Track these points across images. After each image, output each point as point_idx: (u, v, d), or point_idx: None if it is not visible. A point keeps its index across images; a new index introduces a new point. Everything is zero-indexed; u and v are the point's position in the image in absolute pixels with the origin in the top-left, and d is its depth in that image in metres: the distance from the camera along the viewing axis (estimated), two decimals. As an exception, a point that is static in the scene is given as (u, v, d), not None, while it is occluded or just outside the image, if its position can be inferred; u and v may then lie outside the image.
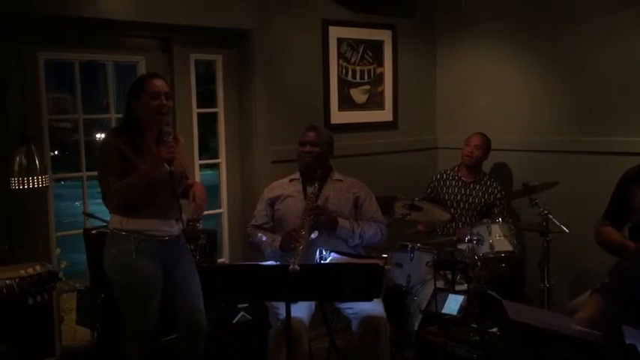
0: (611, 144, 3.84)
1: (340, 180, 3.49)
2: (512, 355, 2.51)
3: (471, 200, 4.19)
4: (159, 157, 2.76)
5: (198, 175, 4.00)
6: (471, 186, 4.22)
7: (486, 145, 4.23)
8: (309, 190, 3.36)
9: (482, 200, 4.18)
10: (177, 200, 2.93)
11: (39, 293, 2.70)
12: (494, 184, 4.23)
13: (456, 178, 4.28)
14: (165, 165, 2.78)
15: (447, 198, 4.25)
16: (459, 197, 4.22)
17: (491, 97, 4.53)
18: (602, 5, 3.87)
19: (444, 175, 4.33)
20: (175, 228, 2.92)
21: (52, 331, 3.11)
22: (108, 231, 2.91)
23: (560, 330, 2.18)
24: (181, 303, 2.97)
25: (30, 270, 2.68)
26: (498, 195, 4.18)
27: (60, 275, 3.19)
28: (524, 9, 4.27)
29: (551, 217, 3.59)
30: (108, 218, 2.94)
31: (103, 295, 3.16)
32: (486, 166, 4.35)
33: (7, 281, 2.58)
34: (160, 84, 2.83)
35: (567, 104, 4.11)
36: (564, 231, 3.57)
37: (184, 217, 3.01)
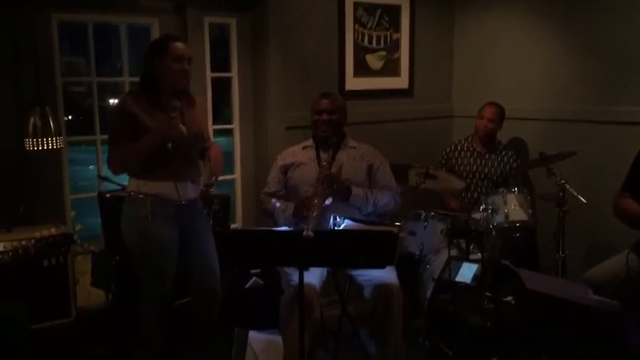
0: (631, 114, 3.76)
1: (354, 147, 3.44)
2: (527, 323, 2.51)
3: (486, 171, 4.14)
4: (163, 129, 2.75)
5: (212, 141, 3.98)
6: (486, 156, 4.17)
7: (500, 117, 4.15)
8: (323, 157, 3.33)
9: (498, 170, 4.13)
10: (194, 161, 2.92)
11: (54, 255, 2.73)
12: (509, 154, 4.17)
13: (470, 149, 4.22)
14: (181, 126, 2.77)
15: (462, 169, 4.20)
16: (474, 168, 4.17)
17: (509, 65, 4.45)
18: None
19: (458, 147, 4.27)
20: (191, 191, 2.92)
21: (68, 293, 3.14)
22: (124, 194, 2.91)
23: (577, 300, 2.17)
24: (197, 267, 2.98)
25: (45, 232, 2.69)
26: (514, 164, 4.13)
27: (75, 238, 3.21)
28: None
29: (568, 187, 3.55)
30: (122, 182, 2.94)
31: (117, 258, 3.18)
32: (503, 135, 4.29)
33: (23, 242, 2.60)
34: (183, 48, 2.83)
35: (586, 73, 4.02)
36: (582, 201, 3.53)
37: (201, 179, 3.00)
